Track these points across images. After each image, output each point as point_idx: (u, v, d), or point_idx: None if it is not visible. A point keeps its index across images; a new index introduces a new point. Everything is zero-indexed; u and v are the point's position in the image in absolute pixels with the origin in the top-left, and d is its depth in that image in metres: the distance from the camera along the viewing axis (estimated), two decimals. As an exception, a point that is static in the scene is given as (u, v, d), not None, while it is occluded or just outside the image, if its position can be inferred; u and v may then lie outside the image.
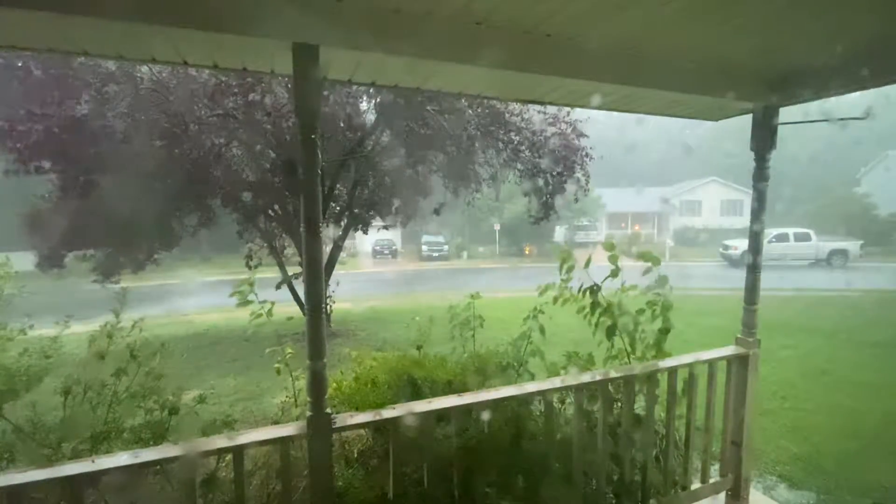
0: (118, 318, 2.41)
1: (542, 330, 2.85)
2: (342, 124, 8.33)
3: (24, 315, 3.11)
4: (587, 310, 2.71)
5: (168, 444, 1.94)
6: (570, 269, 2.69)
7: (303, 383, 2.73)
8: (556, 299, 2.72)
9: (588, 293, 2.70)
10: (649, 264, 2.68)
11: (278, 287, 9.36)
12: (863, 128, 36.14)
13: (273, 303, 2.46)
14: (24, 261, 7.98)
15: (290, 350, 2.63)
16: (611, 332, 2.71)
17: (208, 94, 7.13)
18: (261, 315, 2.38)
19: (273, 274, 10.16)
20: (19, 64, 6.50)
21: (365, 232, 10.93)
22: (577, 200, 10.34)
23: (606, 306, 2.69)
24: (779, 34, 2.13)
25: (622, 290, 2.72)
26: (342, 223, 10.01)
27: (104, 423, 2.11)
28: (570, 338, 2.81)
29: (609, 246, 2.72)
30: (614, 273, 2.68)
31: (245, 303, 2.31)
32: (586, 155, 9.49)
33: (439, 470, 2.19)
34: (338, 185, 9.71)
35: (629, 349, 2.77)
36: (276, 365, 2.59)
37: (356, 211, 9.99)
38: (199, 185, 8.08)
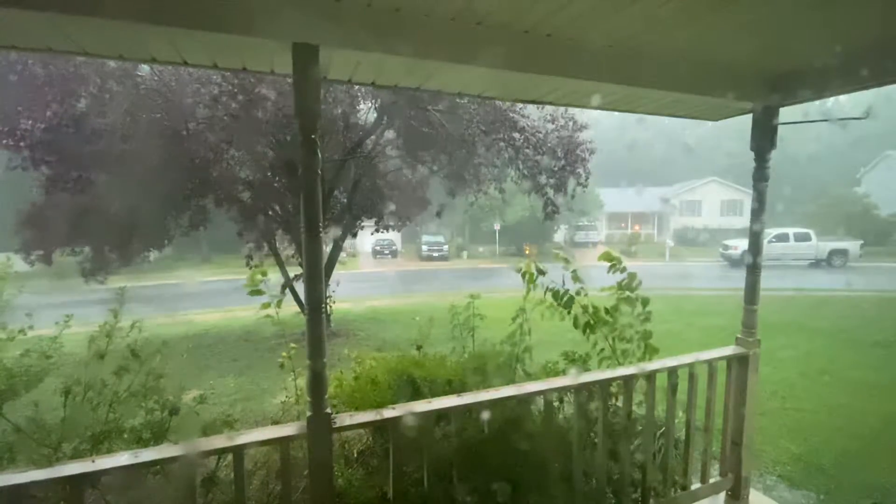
0: (117, 318, 2.41)
1: (528, 331, 2.92)
2: (341, 124, 8.33)
3: (23, 315, 3.11)
4: (567, 313, 2.84)
5: (168, 444, 1.94)
6: (533, 279, 2.88)
7: (302, 381, 2.74)
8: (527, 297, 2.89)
9: (551, 295, 2.85)
10: (613, 263, 2.86)
11: (283, 291, 9.36)
12: (863, 128, 36.15)
13: (283, 295, 2.45)
14: (23, 261, 7.99)
15: (293, 346, 2.63)
16: (588, 328, 2.83)
17: (211, 94, 7.14)
18: (269, 305, 2.37)
19: (274, 274, 10.16)
20: (16, 61, 6.50)
21: (354, 235, 10.93)
22: (573, 197, 10.34)
23: (579, 306, 2.83)
24: (779, 34, 2.13)
25: (601, 289, 2.89)
26: (343, 223, 10.00)
27: (104, 423, 2.11)
28: (569, 338, 2.82)
29: (567, 263, 2.93)
30: (575, 278, 2.86)
31: (256, 292, 2.29)
32: (588, 149, 9.48)
33: (439, 470, 2.19)
34: (338, 187, 9.71)
35: (611, 343, 2.84)
36: (281, 360, 2.60)
37: (355, 212, 9.98)
38: (197, 185, 8.08)
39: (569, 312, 2.83)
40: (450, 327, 3.21)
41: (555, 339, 2.98)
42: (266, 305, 2.34)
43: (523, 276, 2.87)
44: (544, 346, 2.96)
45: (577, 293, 2.85)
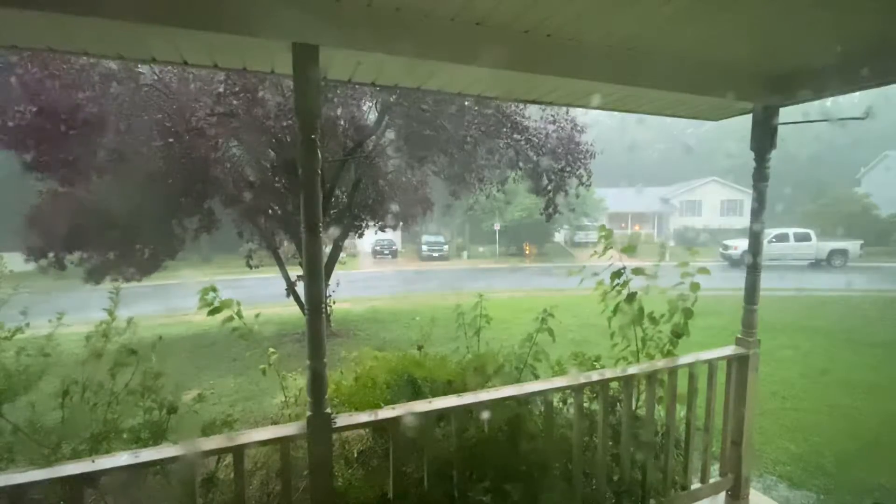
0: (113, 317, 2.40)
1: (550, 332, 2.83)
2: (342, 123, 8.32)
3: (20, 314, 3.09)
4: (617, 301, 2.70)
5: (168, 444, 1.94)
6: (609, 247, 2.67)
7: (298, 382, 2.74)
8: (603, 295, 2.73)
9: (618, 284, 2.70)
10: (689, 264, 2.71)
11: (288, 295, 9.39)
12: (863, 128, 36.17)
13: (239, 302, 2.36)
14: (22, 261, 7.97)
15: (273, 351, 2.59)
16: (629, 325, 2.71)
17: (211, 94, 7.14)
18: (232, 318, 2.30)
19: (274, 274, 10.17)
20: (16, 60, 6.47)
21: (360, 236, 10.94)
22: (577, 196, 10.38)
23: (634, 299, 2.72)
24: (779, 34, 2.13)
25: (662, 290, 2.71)
26: (343, 223, 10.01)
27: (103, 423, 2.10)
28: (570, 338, 2.81)
29: (629, 248, 2.74)
30: (638, 271, 2.71)
31: (214, 310, 2.21)
32: (588, 152, 9.51)
33: (439, 470, 2.19)
34: (338, 187, 9.71)
35: (641, 345, 2.77)
36: (262, 367, 2.57)
37: (356, 212, 9.98)
38: (200, 186, 8.08)
39: (616, 305, 2.71)
40: (451, 327, 3.19)
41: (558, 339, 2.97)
42: (229, 319, 2.27)
43: (603, 242, 2.68)
44: (548, 346, 2.93)
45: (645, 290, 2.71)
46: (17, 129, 6.58)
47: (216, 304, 2.20)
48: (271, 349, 2.62)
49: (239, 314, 2.28)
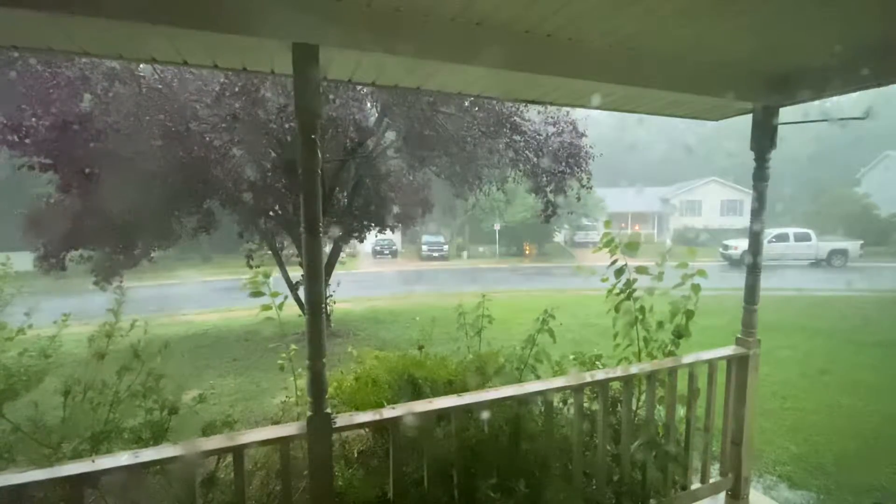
0: (117, 318, 2.40)
1: (551, 333, 2.83)
2: (342, 124, 8.31)
3: (23, 314, 3.10)
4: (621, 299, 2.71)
5: (168, 444, 1.94)
6: (615, 249, 2.66)
7: (303, 382, 2.73)
8: (607, 294, 2.74)
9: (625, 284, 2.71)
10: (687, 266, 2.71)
11: (293, 294, 9.38)
12: (863, 128, 36.17)
13: (286, 296, 2.40)
14: (22, 260, 7.98)
15: (294, 347, 2.62)
16: (631, 324, 2.72)
17: (211, 95, 7.14)
18: (269, 307, 2.33)
19: (275, 274, 10.15)
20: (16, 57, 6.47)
21: (361, 240, 10.94)
22: (578, 199, 10.41)
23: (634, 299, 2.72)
24: (779, 34, 2.13)
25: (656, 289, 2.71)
26: (343, 223, 10.00)
27: (104, 423, 2.10)
28: (570, 338, 2.81)
29: (632, 245, 2.69)
30: (642, 270, 2.70)
31: (257, 293, 2.25)
32: (588, 155, 9.53)
33: (439, 470, 2.19)
34: (339, 187, 9.71)
35: (643, 345, 2.76)
36: (280, 361, 2.58)
37: (356, 214, 9.98)
38: (200, 185, 8.08)
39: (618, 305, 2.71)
40: (451, 327, 3.19)
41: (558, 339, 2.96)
42: (266, 308, 2.30)
43: (609, 245, 2.67)
44: (547, 345, 2.93)
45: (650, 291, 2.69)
46: (31, 143, 6.63)
47: (265, 290, 2.22)
48: (293, 345, 2.64)
49: (280, 306, 2.32)
